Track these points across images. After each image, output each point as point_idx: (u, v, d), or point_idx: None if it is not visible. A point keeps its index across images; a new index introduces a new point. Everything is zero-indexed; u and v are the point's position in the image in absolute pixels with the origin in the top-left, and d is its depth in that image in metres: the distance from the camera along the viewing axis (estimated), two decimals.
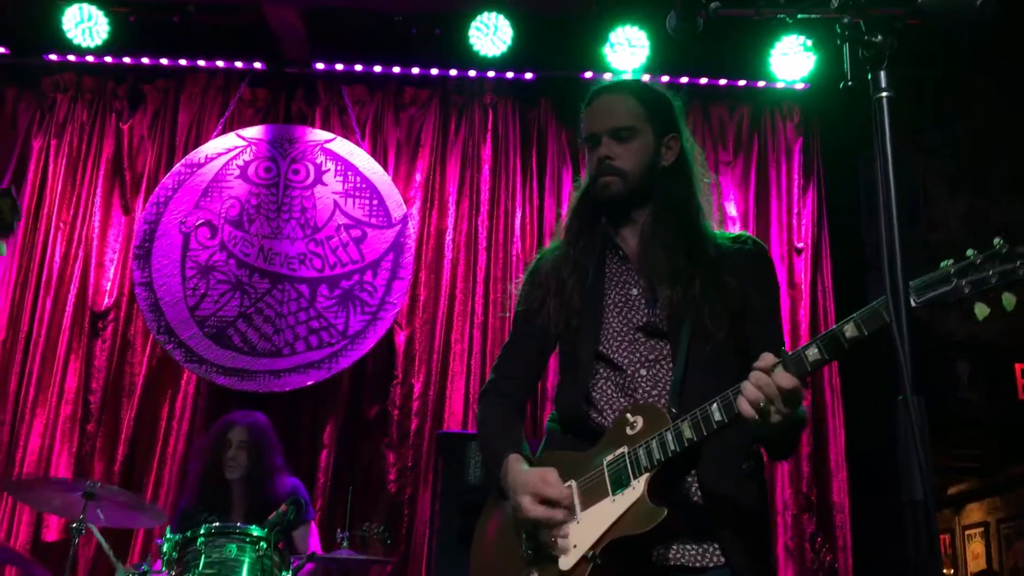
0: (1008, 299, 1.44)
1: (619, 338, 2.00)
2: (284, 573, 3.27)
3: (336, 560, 3.75)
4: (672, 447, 1.76)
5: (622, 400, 1.97)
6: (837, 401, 5.14)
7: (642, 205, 2.06)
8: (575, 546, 1.81)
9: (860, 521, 4.96)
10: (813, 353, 1.65)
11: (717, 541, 1.85)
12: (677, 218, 2.02)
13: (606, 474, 1.84)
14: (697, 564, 1.85)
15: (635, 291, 2.02)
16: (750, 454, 1.93)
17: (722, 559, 1.84)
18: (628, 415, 1.87)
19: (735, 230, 5.30)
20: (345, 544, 3.80)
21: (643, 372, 1.96)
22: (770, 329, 2.00)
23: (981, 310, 1.46)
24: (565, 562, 1.81)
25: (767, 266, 2.08)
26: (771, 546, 1.98)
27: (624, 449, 1.83)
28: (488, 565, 2.03)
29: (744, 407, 1.65)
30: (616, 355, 1.99)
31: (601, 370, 2.00)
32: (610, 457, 1.85)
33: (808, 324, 5.25)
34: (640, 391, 1.95)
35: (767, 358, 1.67)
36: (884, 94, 1.43)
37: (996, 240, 1.48)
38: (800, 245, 5.40)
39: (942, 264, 1.53)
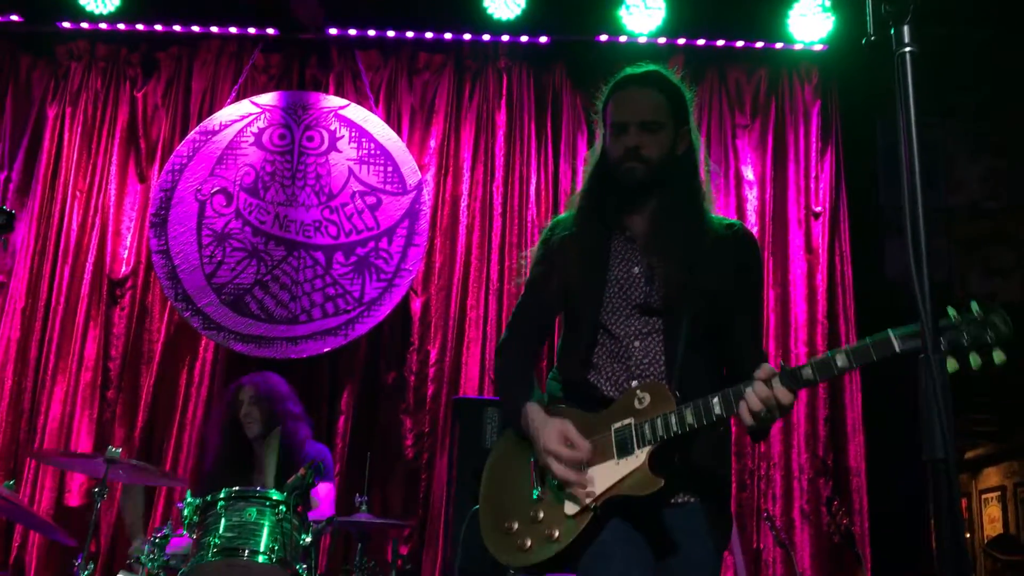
0: (975, 359, 1.68)
1: (617, 312, 2.22)
2: (303, 536, 3.30)
3: (355, 523, 3.79)
4: (674, 428, 2.01)
5: (616, 366, 2.20)
6: None
7: (655, 191, 2.25)
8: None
9: (876, 485, 4.97)
10: (807, 373, 1.90)
11: (694, 487, 2.16)
12: (685, 206, 2.24)
13: (613, 439, 2.08)
14: (679, 501, 2.15)
15: (636, 269, 2.23)
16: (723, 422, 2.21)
17: (693, 498, 2.15)
18: (638, 391, 2.09)
19: (751, 195, 5.29)
20: (364, 508, 3.83)
21: (636, 344, 2.19)
22: (751, 314, 2.29)
23: (951, 364, 1.67)
24: (570, 508, 2.07)
25: (755, 255, 2.32)
26: (730, 490, 2.35)
27: (631, 420, 2.07)
28: (498, 500, 2.23)
29: (744, 415, 1.93)
30: (613, 326, 2.21)
31: (599, 338, 2.23)
32: (618, 424, 2.08)
33: (825, 289, 5.21)
34: (633, 359, 2.19)
35: (766, 369, 1.92)
36: (907, 49, 1.40)
37: (973, 305, 1.71)
38: (818, 209, 5.35)
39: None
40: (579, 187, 2.41)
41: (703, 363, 2.16)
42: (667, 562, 2.10)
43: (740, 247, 2.26)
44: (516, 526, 2.14)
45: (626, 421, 2.08)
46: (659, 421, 2.02)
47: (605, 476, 2.05)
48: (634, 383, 2.16)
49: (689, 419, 1.99)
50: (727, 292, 2.17)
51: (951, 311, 1.72)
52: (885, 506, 4.95)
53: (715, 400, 1.97)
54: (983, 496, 10.34)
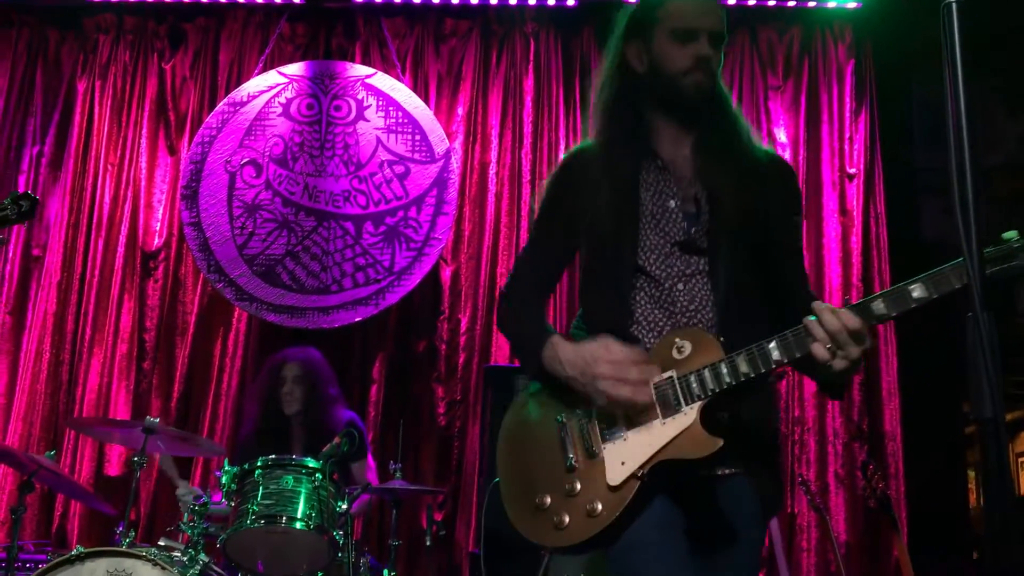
0: None
1: (656, 251, 1.94)
2: (339, 503, 3.34)
3: (390, 490, 3.82)
4: (727, 379, 1.75)
5: (658, 313, 1.93)
6: (890, 329, 5.06)
7: (702, 113, 2.00)
8: (623, 463, 1.81)
9: (912, 449, 4.93)
10: (879, 307, 1.67)
11: (743, 450, 1.87)
12: (732, 132, 1.99)
13: (654, 396, 1.81)
14: (726, 472, 1.89)
15: (673, 203, 1.95)
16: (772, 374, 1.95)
17: (740, 467, 1.89)
18: (676, 338, 1.83)
19: (784, 157, 5.21)
20: (398, 475, 3.86)
21: (680, 286, 1.92)
22: (798, 252, 2.07)
23: None
24: (613, 477, 1.81)
25: (796, 186, 2.11)
26: (781, 454, 2.05)
27: (672, 373, 1.81)
28: (522, 472, 1.96)
29: (818, 351, 1.67)
30: (653, 267, 1.94)
31: (637, 283, 1.95)
32: (656, 379, 1.81)
33: (860, 252, 5.14)
34: (678, 304, 1.92)
35: (828, 306, 1.68)
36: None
37: None
38: (852, 171, 5.26)
39: (1005, 235, 1.60)
40: (593, 115, 2.11)
41: (754, 308, 1.90)
42: (708, 538, 1.87)
43: (782, 179, 2.04)
44: (549, 501, 1.87)
45: (666, 375, 1.81)
46: (707, 373, 1.76)
47: (650, 439, 1.79)
48: (660, 316, 1.92)
49: (744, 368, 1.73)
50: (778, 227, 1.95)
51: (1012, 233, 1.57)
52: (921, 470, 4.91)
53: (772, 344, 1.72)
54: (1020, 459, 10.24)
